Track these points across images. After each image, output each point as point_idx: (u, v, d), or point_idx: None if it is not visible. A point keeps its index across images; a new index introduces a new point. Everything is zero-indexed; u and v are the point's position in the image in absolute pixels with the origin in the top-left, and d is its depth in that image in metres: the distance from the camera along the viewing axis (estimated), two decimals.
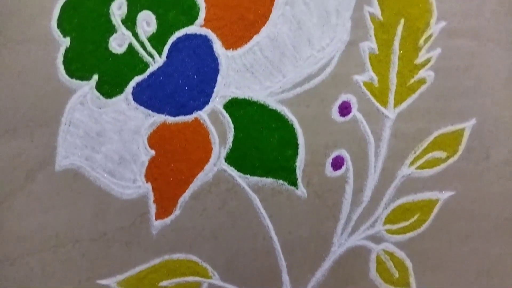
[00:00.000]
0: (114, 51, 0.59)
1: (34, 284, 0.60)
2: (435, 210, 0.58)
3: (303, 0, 0.58)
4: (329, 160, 0.58)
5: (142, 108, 0.59)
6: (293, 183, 0.58)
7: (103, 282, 0.58)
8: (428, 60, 0.58)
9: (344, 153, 0.58)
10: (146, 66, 0.59)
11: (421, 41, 0.58)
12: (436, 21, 0.58)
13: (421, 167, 0.58)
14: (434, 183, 0.58)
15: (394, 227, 0.58)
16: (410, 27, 0.58)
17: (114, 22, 0.59)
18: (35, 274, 0.59)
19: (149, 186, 0.59)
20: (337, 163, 0.58)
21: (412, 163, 0.58)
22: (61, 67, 0.59)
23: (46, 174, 0.59)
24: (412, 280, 0.58)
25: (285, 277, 0.58)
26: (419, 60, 0.58)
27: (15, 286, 0.59)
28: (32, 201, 0.60)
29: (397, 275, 0.58)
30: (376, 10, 0.58)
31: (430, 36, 0.58)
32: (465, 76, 0.58)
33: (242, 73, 0.59)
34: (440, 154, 0.58)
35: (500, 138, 0.58)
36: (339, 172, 0.58)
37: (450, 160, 0.58)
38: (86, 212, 0.59)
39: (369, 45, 0.58)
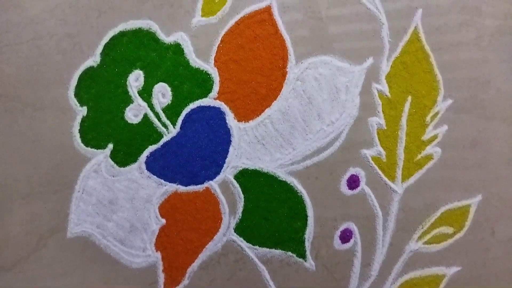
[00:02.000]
0: (129, 121, 0.60)
1: None
2: (442, 285, 0.58)
3: (314, 76, 0.60)
4: (338, 233, 0.59)
5: (154, 177, 0.60)
6: (302, 255, 0.59)
7: None
8: (435, 137, 0.59)
9: (352, 226, 0.59)
10: (160, 136, 0.60)
11: (428, 118, 0.59)
12: (443, 99, 0.60)
13: (428, 242, 0.58)
14: (441, 258, 0.59)
15: None
16: (417, 104, 0.60)
17: (130, 93, 0.61)
18: None
19: (158, 255, 0.60)
20: (346, 236, 0.59)
21: (419, 238, 0.59)
22: (77, 136, 0.61)
23: (57, 240, 0.60)
24: None
25: None
26: (426, 137, 0.59)
27: None
28: (43, 267, 0.60)
29: None
30: (384, 87, 0.60)
31: (437, 113, 0.59)
32: (471, 152, 0.59)
33: (253, 145, 0.60)
34: (447, 229, 0.59)
35: (506, 214, 0.59)
36: (347, 245, 0.59)
37: (457, 236, 0.59)
38: (96, 280, 0.60)
39: (377, 121, 0.59)
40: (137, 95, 0.61)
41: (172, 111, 0.61)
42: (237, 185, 0.60)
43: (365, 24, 0.61)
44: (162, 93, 0.61)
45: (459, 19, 0.61)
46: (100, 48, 0.62)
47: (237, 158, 0.60)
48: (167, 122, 0.60)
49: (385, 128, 0.60)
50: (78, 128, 0.61)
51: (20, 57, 0.63)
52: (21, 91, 0.63)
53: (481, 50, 0.61)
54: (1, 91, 0.63)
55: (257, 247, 0.59)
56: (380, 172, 0.59)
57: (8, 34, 0.64)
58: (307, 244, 0.59)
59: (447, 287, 0.59)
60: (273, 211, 0.60)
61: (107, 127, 0.61)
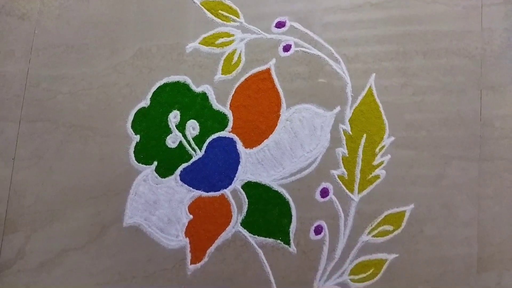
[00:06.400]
0: (169, 146, 0.87)
1: None
2: (385, 266, 0.83)
3: (299, 118, 0.87)
4: (312, 228, 0.84)
5: (186, 185, 0.86)
6: (287, 242, 0.84)
7: None
8: (381, 163, 0.85)
9: (323, 224, 0.85)
10: (190, 157, 0.86)
11: (377, 150, 0.86)
12: (388, 137, 0.86)
13: (375, 236, 0.84)
14: (384, 248, 0.84)
15: (356, 277, 0.83)
16: (370, 139, 0.86)
17: (170, 126, 0.87)
18: None
19: (187, 240, 0.85)
20: (318, 230, 0.84)
21: (369, 233, 0.84)
22: (132, 155, 0.87)
23: (115, 229, 0.85)
24: None
25: None
26: (375, 162, 0.85)
27: None
28: (104, 248, 0.85)
29: None
30: (347, 127, 0.86)
31: (383, 146, 0.86)
32: (407, 174, 0.85)
33: (255, 165, 0.86)
34: (388, 227, 0.84)
35: (431, 218, 0.84)
36: (319, 237, 0.84)
37: (395, 232, 0.84)
38: (142, 257, 0.85)
39: (342, 150, 0.86)
40: (175, 128, 0.87)
41: (199, 140, 0.87)
42: (243, 192, 0.86)
43: (335, 82, 0.88)
44: (193, 127, 0.87)
45: (401, 81, 0.88)
46: (150, 94, 0.88)
47: (244, 174, 0.86)
48: (196, 147, 0.86)
49: (347, 155, 0.86)
50: (133, 150, 0.87)
51: (92, 98, 0.90)
52: (92, 123, 0.89)
53: (416, 103, 0.87)
54: (77, 123, 0.89)
55: (256, 236, 0.85)
56: (343, 186, 0.85)
57: (82, 82, 0.90)
58: (291, 235, 0.84)
59: (388, 268, 0.83)
60: (268, 211, 0.85)
61: (153, 150, 0.87)
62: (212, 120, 0.86)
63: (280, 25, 0.89)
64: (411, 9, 0.89)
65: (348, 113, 0.86)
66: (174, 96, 0.87)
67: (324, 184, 0.85)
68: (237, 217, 0.84)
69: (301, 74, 0.88)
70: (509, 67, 0.87)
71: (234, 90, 0.87)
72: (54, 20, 0.92)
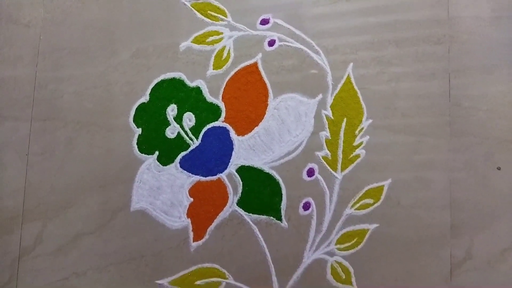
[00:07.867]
0: (168, 137, 0.95)
1: (111, 286, 0.94)
2: (367, 236, 0.92)
3: (285, 106, 0.96)
4: (301, 204, 0.94)
5: (185, 172, 0.95)
6: (279, 218, 0.94)
7: (160, 282, 0.93)
8: (361, 143, 0.94)
9: (310, 200, 0.94)
10: (188, 146, 0.95)
11: (357, 131, 0.95)
12: (366, 119, 0.95)
13: (357, 208, 0.93)
14: (366, 219, 0.93)
15: (342, 246, 0.93)
16: (350, 123, 0.95)
17: (169, 119, 0.96)
18: (112, 277, 0.93)
19: (189, 221, 0.94)
20: (306, 206, 0.94)
21: (352, 206, 0.93)
22: (135, 147, 0.95)
23: (124, 213, 0.95)
24: (353, 280, 0.92)
25: (274, 279, 0.93)
26: (355, 143, 0.94)
27: None
28: (115, 231, 0.95)
29: (344, 276, 0.92)
30: (329, 112, 0.95)
31: (362, 128, 0.94)
32: (384, 153, 0.94)
33: (247, 150, 0.95)
34: (369, 200, 0.93)
35: (407, 191, 0.93)
36: (307, 212, 0.94)
37: (376, 205, 0.93)
38: (149, 238, 0.94)
39: (325, 134, 0.95)
40: (173, 120, 0.96)
41: (195, 130, 0.96)
42: (237, 175, 0.95)
43: (317, 72, 0.96)
44: (189, 119, 0.96)
45: (377, 69, 0.96)
46: (148, 90, 0.97)
47: (237, 159, 0.95)
48: (193, 137, 0.95)
49: (330, 138, 0.95)
50: (136, 142, 0.96)
51: (96, 97, 0.98)
52: (97, 119, 0.97)
53: (391, 88, 0.95)
54: (84, 119, 0.98)
55: (251, 214, 0.94)
56: (327, 166, 0.94)
57: (86, 81, 0.99)
58: (283, 212, 0.93)
59: (370, 237, 0.93)
60: (260, 191, 0.94)
61: (154, 141, 0.96)
62: (206, 111, 0.95)
63: (264, 22, 0.97)
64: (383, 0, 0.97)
65: (330, 100, 0.95)
66: (171, 91, 0.96)
67: (310, 165, 0.93)
68: (233, 198, 0.93)
69: (285, 66, 0.96)
70: (474, 52, 0.96)
71: (225, 84, 0.95)
72: (57, 26, 1.00)
